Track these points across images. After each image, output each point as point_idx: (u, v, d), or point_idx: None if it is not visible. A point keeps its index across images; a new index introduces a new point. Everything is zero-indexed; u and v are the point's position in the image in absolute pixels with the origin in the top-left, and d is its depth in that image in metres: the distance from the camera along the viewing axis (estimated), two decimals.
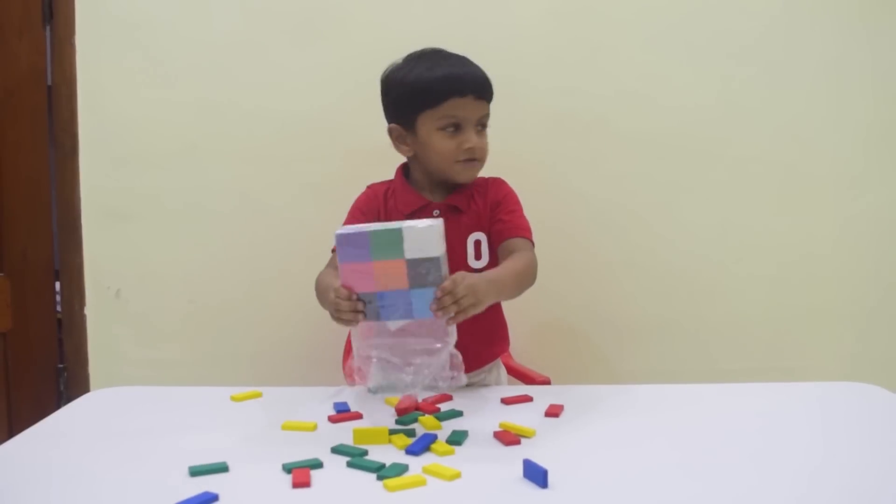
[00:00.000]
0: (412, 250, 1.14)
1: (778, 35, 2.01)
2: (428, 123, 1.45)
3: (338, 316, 1.19)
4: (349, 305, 1.17)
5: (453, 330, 1.19)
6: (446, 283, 1.15)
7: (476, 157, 1.46)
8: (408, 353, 1.19)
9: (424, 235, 1.14)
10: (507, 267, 1.37)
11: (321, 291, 1.37)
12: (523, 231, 1.48)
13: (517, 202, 1.53)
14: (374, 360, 1.20)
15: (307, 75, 2.02)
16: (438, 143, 1.45)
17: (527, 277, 1.40)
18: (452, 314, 1.15)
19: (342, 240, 1.16)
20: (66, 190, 2.06)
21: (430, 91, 1.43)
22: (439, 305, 1.14)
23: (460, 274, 1.18)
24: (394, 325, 1.19)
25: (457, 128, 1.44)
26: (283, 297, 2.05)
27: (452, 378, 1.18)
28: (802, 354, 2.06)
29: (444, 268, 1.16)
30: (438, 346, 1.18)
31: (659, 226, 2.04)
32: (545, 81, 2.00)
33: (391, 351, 1.19)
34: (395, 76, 1.48)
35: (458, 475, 0.99)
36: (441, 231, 1.16)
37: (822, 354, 2.07)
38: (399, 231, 1.13)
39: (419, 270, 1.14)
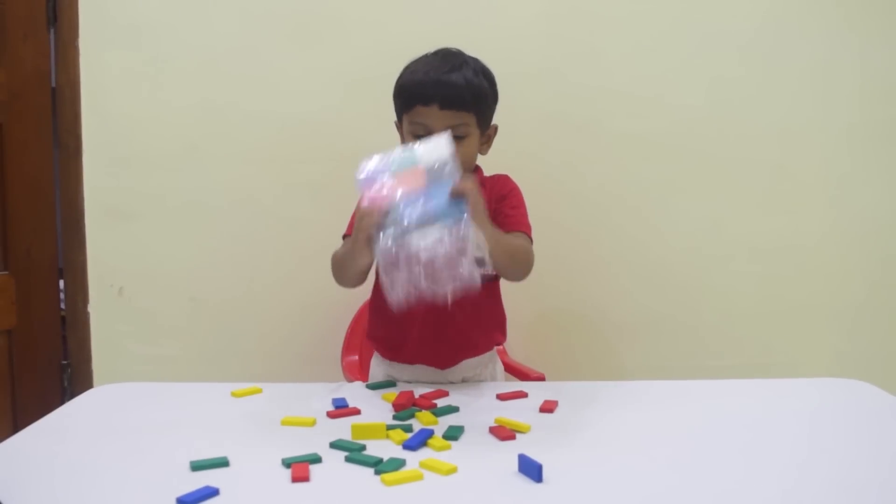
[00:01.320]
0: (427, 159, 1.23)
1: (766, 38, 2.03)
2: (406, 126, 1.46)
3: (361, 228, 1.23)
4: (373, 217, 1.21)
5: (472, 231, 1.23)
6: (457, 184, 1.21)
7: None
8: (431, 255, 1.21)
9: (435, 145, 1.25)
10: (505, 234, 1.39)
11: (338, 258, 1.40)
12: (524, 227, 1.48)
13: (521, 200, 1.53)
14: (403, 276, 1.22)
15: (307, 77, 2.03)
16: None
17: (519, 254, 1.41)
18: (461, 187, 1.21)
19: (365, 182, 1.25)
20: (70, 189, 2.08)
21: (401, 96, 1.45)
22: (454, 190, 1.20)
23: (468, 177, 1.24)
24: (417, 243, 1.21)
25: (428, 134, 1.40)
26: (283, 295, 2.06)
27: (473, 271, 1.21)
28: (791, 351, 2.08)
29: (457, 167, 1.24)
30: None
31: (651, 224, 2.06)
32: (539, 81, 2.02)
33: (414, 261, 1.21)
34: (401, 74, 1.49)
35: (454, 469, 0.99)
36: (450, 139, 1.25)
37: (810, 351, 2.08)
38: (414, 150, 1.25)
39: (435, 171, 1.23)
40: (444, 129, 1.40)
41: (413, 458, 1.03)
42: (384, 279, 1.23)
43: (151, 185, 2.06)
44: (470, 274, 1.20)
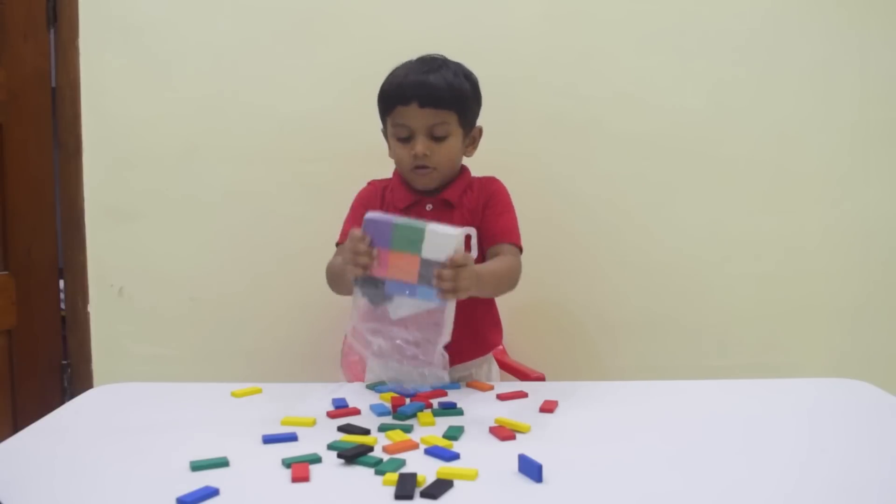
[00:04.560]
0: (429, 251, 1.19)
1: (766, 38, 2.03)
2: (389, 129, 1.48)
3: (353, 259, 1.23)
4: (365, 247, 1.22)
5: (448, 330, 1.23)
6: (459, 257, 1.19)
7: (426, 165, 1.45)
8: (402, 346, 1.22)
9: (444, 241, 1.19)
10: (489, 267, 1.39)
11: (333, 271, 1.41)
12: (512, 236, 1.48)
13: (508, 202, 1.53)
14: (374, 346, 1.24)
15: (308, 76, 2.03)
16: (395, 149, 1.49)
17: (506, 281, 1.42)
18: (449, 288, 1.19)
19: (368, 224, 1.23)
20: (70, 189, 2.08)
21: (382, 99, 1.47)
22: (441, 275, 1.19)
23: (469, 256, 1.22)
24: (395, 312, 1.22)
25: (410, 135, 1.44)
26: (283, 295, 2.06)
27: (438, 377, 1.25)
28: (791, 351, 2.08)
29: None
30: (433, 340, 1.21)
31: (650, 224, 2.06)
32: (539, 82, 2.02)
33: (387, 338, 1.22)
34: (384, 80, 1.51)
35: (475, 475, 0.98)
36: (462, 241, 1.21)
37: (810, 351, 2.09)
38: (422, 231, 1.19)
39: (430, 270, 1.19)
40: (425, 127, 1.43)
41: (432, 466, 1.01)
42: (350, 342, 1.28)
43: (151, 184, 2.07)
44: (433, 374, 1.24)
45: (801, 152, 2.06)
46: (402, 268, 1.21)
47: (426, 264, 1.20)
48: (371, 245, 1.22)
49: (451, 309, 1.23)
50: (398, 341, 1.24)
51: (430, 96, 1.41)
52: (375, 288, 1.24)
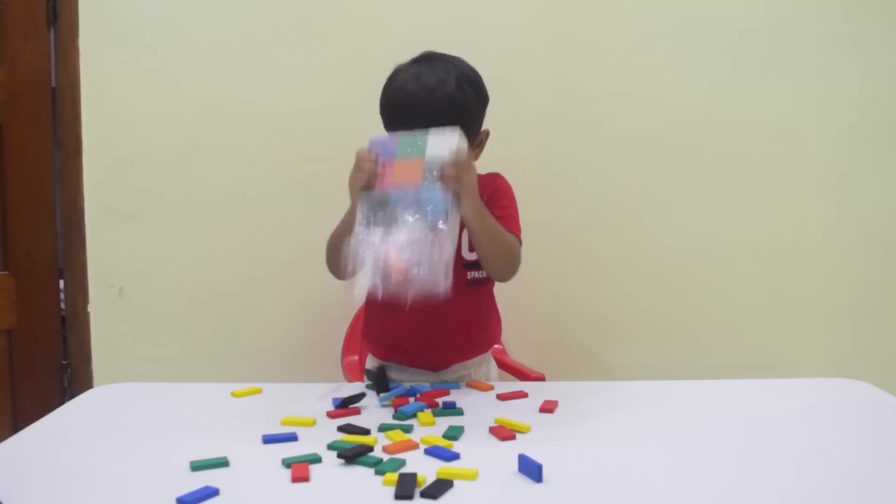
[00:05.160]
0: (432, 151, 1.24)
1: (766, 37, 2.03)
2: None
3: (361, 165, 1.26)
4: (371, 160, 1.25)
5: (453, 242, 1.24)
6: (461, 157, 1.23)
7: None
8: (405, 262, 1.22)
9: (446, 140, 1.25)
10: (495, 221, 1.39)
11: (332, 240, 1.42)
12: (513, 228, 1.46)
13: (510, 198, 1.52)
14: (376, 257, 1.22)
15: (307, 76, 2.03)
16: None
17: (506, 245, 1.40)
18: (452, 175, 1.22)
19: (374, 144, 1.28)
20: (70, 189, 2.08)
21: (384, 115, 1.43)
22: (445, 170, 1.22)
23: (471, 159, 1.25)
24: (399, 232, 1.22)
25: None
26: (282, 295, 2.07)
27: (443, 281, 1.21)
28: (791, 351, 2.08)
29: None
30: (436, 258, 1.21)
31: (650, 224, 2.06)
32: (539, 82, 2.02)
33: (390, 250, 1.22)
34: (385, 85, 1.46)
35: (475, 475, 0.98)
36: (464, 142, 1.26)
37: (810, 351, 2.09)
38: (425, 136, 1.26)
39: (433, 171, 1.23)
40: None
41: (431, 466, 1.01)
42: (353, 261, 1.24)
43: (151, 184, 2.07)
44: (435, 281, 1.20)
45: (801, 152, 2.06)
46: (407, 172, 1.24)
47: (430, 164, 1.24)
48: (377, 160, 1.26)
49: (453, 218, 1.24)
50: (402, 244, 1.22)
51: (434, 119, 1.34)
52: (380, 209, 1.25)
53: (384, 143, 1.28)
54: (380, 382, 1.34)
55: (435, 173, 1.23)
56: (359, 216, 1.27)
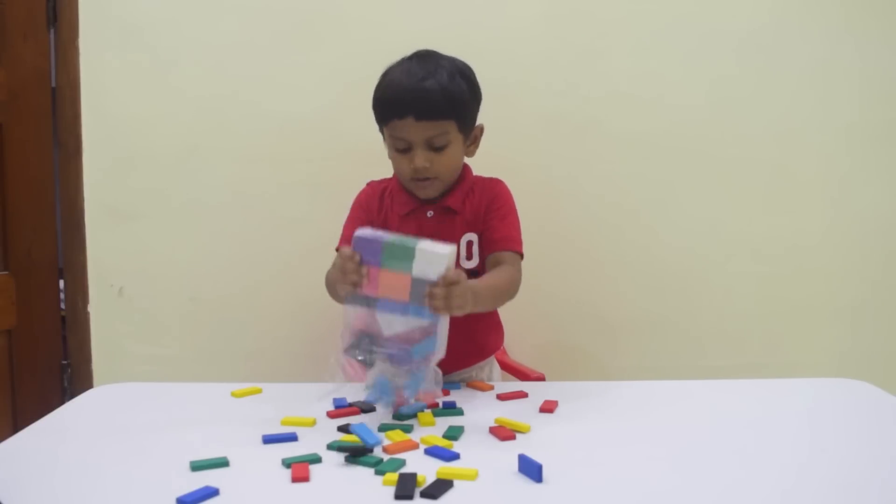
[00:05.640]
0: (420, 269, 1.17)
1: (766, 37, 2.03)
2: (387, 140, 1.44)
3: (343, 278, 1.20)
4: (354, 266, 1.19)
5: (442, 347, 1.21)
6: (451, 275, 1.17)
7: (427, 177, 1.41)
8: (395, 358, 1.22)
9: (435, 260, 1.17)
10: (487, 281, 1.36)
11: (329, 281, 1.38)
12: (513, 243, 1.45)
13: (510, 206, 1.49)
14: (366, 358, 1.23)
15: (308, 76, 2.03)
16: (394, 160, 1.45)
17: (504, 294, 1.40)
18: (440, 306, 1.17)
19: (358, 242, 1.21)
20: (70, 189, 2.08)
21: (377, 110, 1.42)
22: (433, 293, 1.16)
23: (462, 273, 1.19)
24: (388, 328, 1.21)
25: (408, 147, 1.40)
26: (283, 295, 2.07)
27: (432, 392, 1.23)
28: (792, 351, 2.08)
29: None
30: (428, 355, 1.20)
31: (650, 224, 2.06)
32: (539, 83, 2.02)
33: (380, 350, 1.22)
34: (377, 83, 1.45)
35: (475, 475, 0.98)
36: (453, 260, 1.19)
37: (811, 351, 2.09)
38: (413, 249, 1.17)
39: (421, 289, 1.17)
40: (423, 140, 1.38)
41: (431, 466, 1.01)
42: (342, 356, 1.25)
43: (151, 184, 2.07)
44: (426, 392, 1.21)
45: (801, 152, 2.06)
46: (394, 286, 1.19)
47: (417, 283, 1.17)
48: (361, 262, 1.20)
49: (443, 325, 1.21)
50: (392, 352, 1.22)
51: (427, 109, 1.35)
52: (367, 306, 1.22)
53: (370, 245, 1.20)
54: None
55: (423, 291, 1.17)
56: (345, 322, 1.25)
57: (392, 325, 1.21)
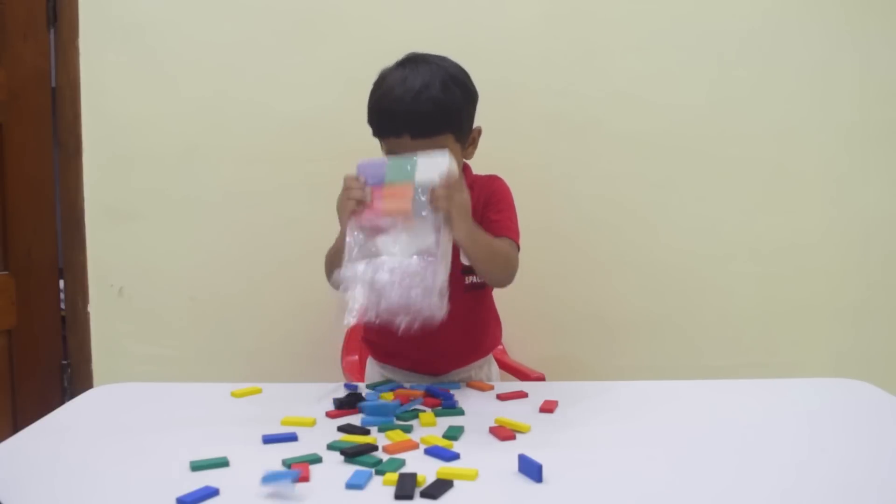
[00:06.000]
0: (422, 175, 1.24)
1: (765, 37, 2.03)
2: (382, 147, 1.43)
3: (348, 194, 1.26)
4: (359, 185, 1.26)
5: (447, 262, 1.24)
6: (451, 178, 1.22)
7: None
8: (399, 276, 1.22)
9: (435, 165, 1.24)
10: (489, 237, 1.37)
11: (330, 254, 1.40)
12: (510, 232, 1.44)
13: (508, 202, 1.49)
14: (368, 277, 1.22)
15: (308, 75, 2.03)
16: None
17: (500, 258, 1.38)
18: (443, 205, 1.22)
19: (362, 167, 1.28)
20: (70, 189, 2.08)
21: (373, 125, 1.41)
22: (436, 194, 1.22)
23: (462, 181, 1.25)
24: (390, 251, 1.24)
25: None
26: (282, 295, 2.07)
27: (439, 307, 1.20)
28: (791, 351, 2.08)
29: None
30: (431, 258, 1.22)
31: (651, 224, 2.06)
32: (539, 83, 2.02)
33: (383, 271, 1.23)
34: (371, 92, 1.44)
35: (475, 475, 0.98)
36: (453, 164, 1.25)
37: (810, 351, 2.09)
38: (415, 161, 1.25)
39: (423, 195, 1.23)
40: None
41: (431, 466, 1.01)
42: (343, 294, 1.24)
43: (151, 184, 2.07)
44: (431, 308, 1.20)
45: (801, 152, 2.06)
46: (397, 197, 1.24)
47: (420, 189, 1.23)
48: (366, 185, 1.26)
49: (446, 241, 1.24)
50: (395, 272, 1.22)
51: (422, 129, 1.33)
52: (370, 236, 1.25)
53: (373, 167, 1.28)
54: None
55: (424, 197, 1.23)
56: (348, 244, 1.26)
57: (395, 245, 1.24)
